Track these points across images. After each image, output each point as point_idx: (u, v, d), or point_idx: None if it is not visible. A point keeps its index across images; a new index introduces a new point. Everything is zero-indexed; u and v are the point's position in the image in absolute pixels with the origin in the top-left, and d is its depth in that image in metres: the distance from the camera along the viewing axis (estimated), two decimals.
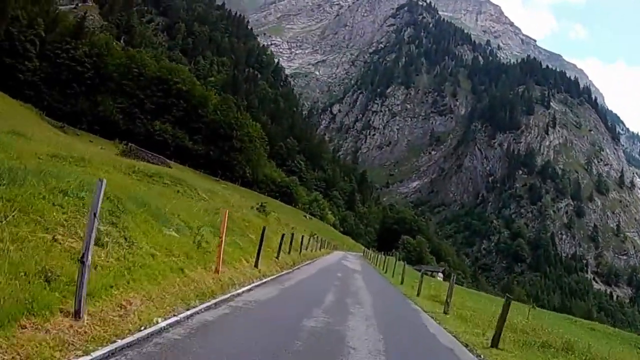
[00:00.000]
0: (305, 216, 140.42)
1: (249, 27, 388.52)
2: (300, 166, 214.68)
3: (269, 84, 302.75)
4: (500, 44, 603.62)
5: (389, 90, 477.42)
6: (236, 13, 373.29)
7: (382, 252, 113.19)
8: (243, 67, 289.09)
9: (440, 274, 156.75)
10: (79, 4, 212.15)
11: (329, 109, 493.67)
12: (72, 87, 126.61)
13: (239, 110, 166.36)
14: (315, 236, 75.87)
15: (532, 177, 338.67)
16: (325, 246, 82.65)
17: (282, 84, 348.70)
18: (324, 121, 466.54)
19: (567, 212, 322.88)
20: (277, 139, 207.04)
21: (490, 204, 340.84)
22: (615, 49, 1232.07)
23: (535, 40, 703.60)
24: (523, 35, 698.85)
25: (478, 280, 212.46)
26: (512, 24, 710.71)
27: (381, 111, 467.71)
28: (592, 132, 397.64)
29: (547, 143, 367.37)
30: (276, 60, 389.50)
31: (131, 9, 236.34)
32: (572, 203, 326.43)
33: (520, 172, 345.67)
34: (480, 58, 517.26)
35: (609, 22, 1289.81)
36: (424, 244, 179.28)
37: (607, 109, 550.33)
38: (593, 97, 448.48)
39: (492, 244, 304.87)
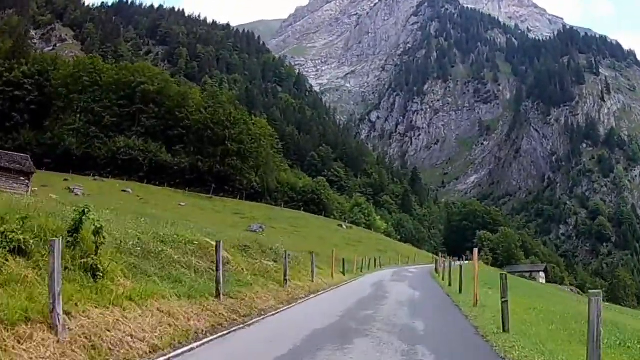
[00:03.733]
0: (341, 226, 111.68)
1: (261, 42, 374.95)
2: (338, 174, 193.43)
3: (293, 95, 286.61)
4: (529, 27, 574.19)
5: (426, 87, 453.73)
6: (244, 30, 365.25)
7: (458, 258, 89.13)
8: (259, 82, 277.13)
9: (542, 274, 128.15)
10: (57, 44, 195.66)
11: (367, 117, 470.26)
12: (11, 117, 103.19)
13: (234, 105, 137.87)
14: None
15: (598, 149, 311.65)
16: (366, 266, 58.86)
17: (307, 93, 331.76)
18: (363, 131, 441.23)
19: None
20: (307, 149, 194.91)
21: (559, 185, 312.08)
22: None
23: (562, 19, 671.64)
24: (549, 15, 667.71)
25: (576, 271, 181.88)
26: (536, 6, 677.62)
27: (422, 110, 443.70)
28: None
29: (606, 110, 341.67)
30: (297, 71, 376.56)
31: (119, 38, 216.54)
32: None
33: (585, 145, 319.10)
34: (513, 40, 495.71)
35: None
36: (512, 237, 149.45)
37: None
38: None
39: (571, 227, 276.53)
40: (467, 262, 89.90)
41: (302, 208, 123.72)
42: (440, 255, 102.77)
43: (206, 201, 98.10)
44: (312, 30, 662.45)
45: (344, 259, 46.83)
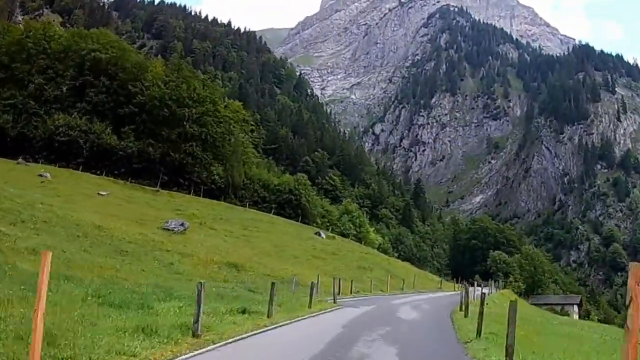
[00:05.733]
0: (318, 234, 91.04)
1: (263, 41, 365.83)
2: (334, 182, 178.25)
3: (291, 97, 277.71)
4: (541, 45, 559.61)
5: (433, 101, 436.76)
6: (245, 28, 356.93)
7: (469, 283, 70.91)
8: (256, 82, 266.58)
9: (575, 309, 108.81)
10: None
11: (371, 129, 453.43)
12: None
13: (203, 83, 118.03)
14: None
15: (614, 171, 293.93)
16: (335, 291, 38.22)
17: (307, 97, 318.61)
18: (366, 144, 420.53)
19: None
20: (301, 153, 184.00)
21: (570, 207, 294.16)
22: None
23: (574, 39, 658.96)
24: (561, 35, 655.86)
25: (598, 303, 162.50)
26: (548, 25, 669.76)
27: (428, 124, 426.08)
28: None
29: (622, 131, 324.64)
30: (298, 74, 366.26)
31: (107, 26, 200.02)
32: None
33: (599, 166, 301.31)
34: (526, 55, 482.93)
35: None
36: (538, 258, 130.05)
37: None
38: None
39: (582, 254, 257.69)
40: (484, 289, 76.92)
41: (273, 211, 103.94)
42: (461, 282, 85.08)
43: (146, 194, 79.15)
44: (319, 40, 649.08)
45: (294, 279, 30.05)
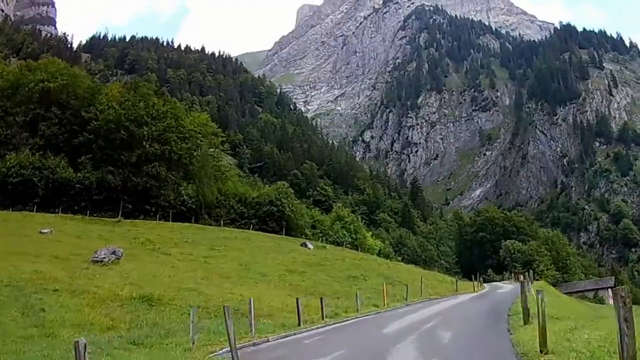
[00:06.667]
0: (304, 245, 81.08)
1: (239, 62, 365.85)
2: (326, 192, 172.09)
3: (274, 114, 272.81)
4: (520, 34, 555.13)
5: (420, 100, 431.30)
6: (219, 51, 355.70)
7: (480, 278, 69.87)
8: (236, 103, 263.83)
9: (609, 292, 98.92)
10: None
11: (360, 137, 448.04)
12: None
13: (163, 98, 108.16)
14: None
15: (613, 146, 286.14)
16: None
17: (290, 111, 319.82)
18: (357, 152, 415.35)
19: None
20: (289, 167, 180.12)
21: (573, 189, 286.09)
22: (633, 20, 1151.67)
23: (553, 24, 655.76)
24: (540, 21, 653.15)
25: (621, 282, 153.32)
26: (525, 13, 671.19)
27: (418, 124, 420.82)
28: None
29: (616, 105, 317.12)
30: (278, 89, 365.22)
31: (75, 66, 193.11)
32: None
33: (597, 143, 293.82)
34: (507, 44, 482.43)
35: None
36: (561, 242, 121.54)
37: None
38: None
39: (592, 234, 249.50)
40: (509, 282, 78.26)
41: (252, 226, 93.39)
42: (477, 278, 74.95)
43: (105, 226, 69.43)
44: (298, 57, 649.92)
45: (227, 310, 20.48)
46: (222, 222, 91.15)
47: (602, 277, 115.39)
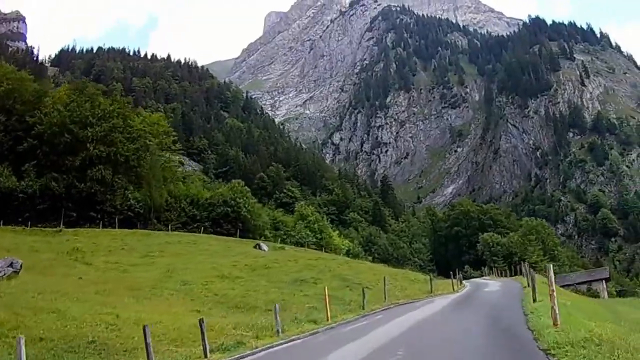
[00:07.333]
0: (258, 247, 73.40)
1: (204, 68, 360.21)
2: (293, 194, 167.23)
3: (241, 119, 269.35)
4: (488, 31, 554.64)
5: (388, 100, 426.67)
6: (185, 59, 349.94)
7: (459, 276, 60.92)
8: (202, 109, 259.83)
9: (604, 285, 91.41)
10: None
11: (330, 140, 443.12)
12: None
13: (111, 97, 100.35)
14: None
15: (587, 136, 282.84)
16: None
17: (257, 115, 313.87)
18: (327, 155, 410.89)
19: None
20: (254, 171, 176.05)
21: (548, 181, 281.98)
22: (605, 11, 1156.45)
23: (521, 20, 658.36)
24: (507, 18, 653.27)
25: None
26: (492, 10, 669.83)
27: (387, 124, 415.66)
28: (627, 74, 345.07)
29: (588, 95, 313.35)
30: (245, 94, 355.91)
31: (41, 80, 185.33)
32: None
33: (571, 134, 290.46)
34: (475, 40, 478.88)
35: None
36: (547, 231, 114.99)
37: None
38: (614, 42, 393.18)
39: (570, 225, 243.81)
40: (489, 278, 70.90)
41: (204, 229, 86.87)
42: (454, 276, 63.14)
43: (45, 237, 61.05)
44: (266, 63, 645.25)
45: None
46: (170, 226, 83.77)
47: (595, 269, 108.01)
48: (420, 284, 58.08)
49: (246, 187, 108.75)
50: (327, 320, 28.51)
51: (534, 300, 28.60)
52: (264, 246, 74.90)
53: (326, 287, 33.11)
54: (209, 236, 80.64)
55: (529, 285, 38.94)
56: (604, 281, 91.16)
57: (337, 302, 35.49)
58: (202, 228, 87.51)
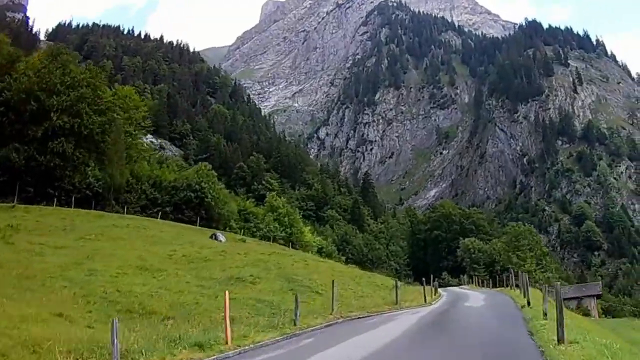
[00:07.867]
0: (214, 237, 66.98)
1: (195, 51, 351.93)
2: (271, 186, 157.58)
3: (227, 105, 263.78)
4: (483, 32, 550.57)
5: (377, 97, 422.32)
6: (177, 41, 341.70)
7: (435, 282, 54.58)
8: (189, 92, 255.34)
9: (594, 303, 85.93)
10: None
11: (315, 134, 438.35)
12: None
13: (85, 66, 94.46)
14: None
15: (576, 145, 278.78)
16: None
17: (243, 103, 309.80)
18: (312, 150, 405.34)
19: (630, 176, 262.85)
20: (235, 160, 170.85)
21: (533, 189, 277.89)
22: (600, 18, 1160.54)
23: (517, 24, 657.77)
24: (503, 21, 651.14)
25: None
26: (489, 12, 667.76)
27: (374, 121, 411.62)
28: (620, 84, 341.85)
29: (580, 103, 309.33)
30: (233, 81, 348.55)
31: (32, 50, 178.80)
32: (632, 164, 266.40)
33: (560, 142, 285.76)
34: (469, 41, 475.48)
35: None
36: (535, 236, 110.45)
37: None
38: (609, 51, 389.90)
39: (553, 236, 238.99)
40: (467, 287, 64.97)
41: (164, 215, 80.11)
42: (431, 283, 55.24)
43: None
44: (259, 52, 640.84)
45: None
46: (127, 209, 77.71)
47: (585, 284, 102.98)
48: (387, 290, 48.10)
49: (212, 171, 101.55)
50: (227, 343, 19.03)
51: (559, 341, 17.15)
52: (221, 237, 68.72)
53: (226, 292, 21.64)
54: (165, 222, 74.37)
55: (529, 305, 32.15)
56: (594, 298, 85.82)
57: (264, 312, 28.80)
58: (162, 213, 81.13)
